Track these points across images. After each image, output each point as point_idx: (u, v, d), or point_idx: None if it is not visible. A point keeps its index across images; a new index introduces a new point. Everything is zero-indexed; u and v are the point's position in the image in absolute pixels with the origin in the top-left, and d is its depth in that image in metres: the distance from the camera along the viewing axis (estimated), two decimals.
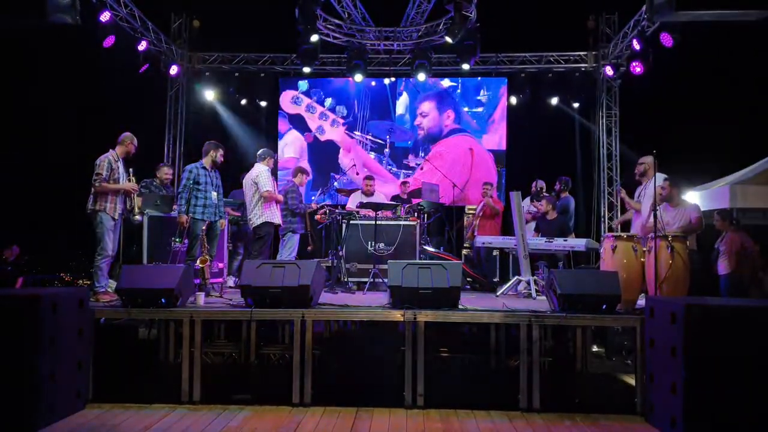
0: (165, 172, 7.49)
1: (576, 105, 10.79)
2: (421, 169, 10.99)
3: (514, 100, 10.93)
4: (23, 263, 10.50)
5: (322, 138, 11.33)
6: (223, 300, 5.54)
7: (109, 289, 5.71)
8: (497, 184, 10.50)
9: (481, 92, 11.16)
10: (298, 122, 11.37)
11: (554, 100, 10.67)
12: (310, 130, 11.34)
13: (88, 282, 5.78)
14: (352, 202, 8.17)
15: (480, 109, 11.15)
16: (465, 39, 9.34)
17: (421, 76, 10.53)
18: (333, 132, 11.32)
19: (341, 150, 11.30)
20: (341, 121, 11.29)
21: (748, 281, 7.43)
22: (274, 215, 6.94)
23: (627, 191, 6.55)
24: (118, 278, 5.00)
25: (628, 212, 6.83)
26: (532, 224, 7.94)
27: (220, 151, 6.33)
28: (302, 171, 7.76)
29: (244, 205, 7.22)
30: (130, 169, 5.88)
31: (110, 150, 5.77)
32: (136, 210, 5.96)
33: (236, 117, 11.22)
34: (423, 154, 11.12)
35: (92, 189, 5.61)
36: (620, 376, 5.56)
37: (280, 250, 7.28)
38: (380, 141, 11.29)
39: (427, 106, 11.24)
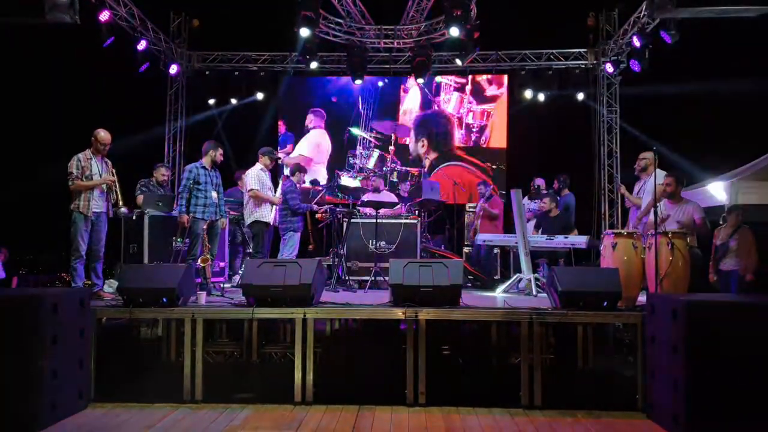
0: (162, 173, 7.38)
1: (576, 102, 10.75)
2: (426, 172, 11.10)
3: (514, 97, 10.93)
4: (16, 262, 10.54)
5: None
6: (224, 299, 5.54)
7: (109, 289, 5.70)
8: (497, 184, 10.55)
9: (488, 89, 11.26)
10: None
11: (554, 97, 10.63)
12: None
13: (89, 282, 5.76)
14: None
15: (488, 106, 11.24)
16: (465, 36, 9.32)
17: (420, 80, 10.56)
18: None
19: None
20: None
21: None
22: (263, 214, 6.89)
23: (626, 186, 6.56)
24: (119, 278, 5.00)
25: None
26: (532, 222, 7.94)
27: (220, 151, 6.33)
28: (300, 169, 7.71)
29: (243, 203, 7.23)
30: (108, 162, 5.83)
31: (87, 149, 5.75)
32: (120, 203, 5.85)
33: (235, 116, 11.20)
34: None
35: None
36: (622, 373, 5.55)
37: (281, 249, 7.27)
38: (385, 135, 11.33)
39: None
